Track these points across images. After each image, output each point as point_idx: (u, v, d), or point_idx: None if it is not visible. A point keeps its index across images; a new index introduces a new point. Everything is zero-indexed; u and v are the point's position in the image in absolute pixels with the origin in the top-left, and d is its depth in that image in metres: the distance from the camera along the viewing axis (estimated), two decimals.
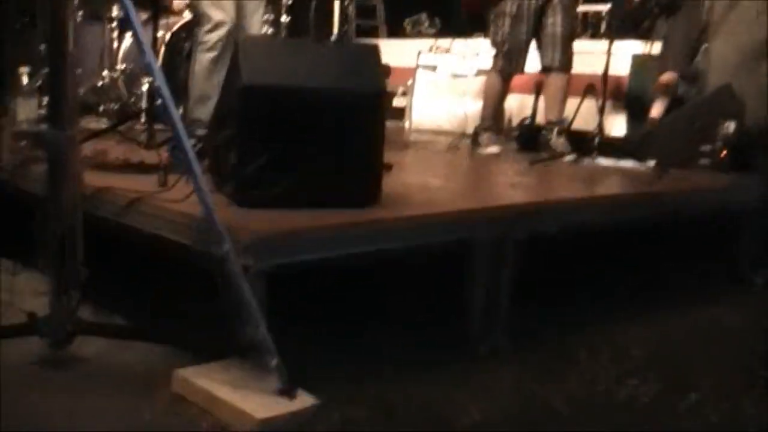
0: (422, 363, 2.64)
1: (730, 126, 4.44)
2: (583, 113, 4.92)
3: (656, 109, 5.30)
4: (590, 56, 4.97)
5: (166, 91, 2.26)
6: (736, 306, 3.53)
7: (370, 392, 2.37)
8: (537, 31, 4.78)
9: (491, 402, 2.41)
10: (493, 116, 5.09)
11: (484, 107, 5.12)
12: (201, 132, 3.65)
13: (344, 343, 2.73)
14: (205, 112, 3.93)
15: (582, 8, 6.14)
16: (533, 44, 4.84)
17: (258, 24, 4.25)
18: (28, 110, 3.45)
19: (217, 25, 4.05)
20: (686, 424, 2.37)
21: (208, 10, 4.08)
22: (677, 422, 2.38)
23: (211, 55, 4.07)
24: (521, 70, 4.85)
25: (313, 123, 2.59)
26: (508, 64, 4.83)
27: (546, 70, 4.85)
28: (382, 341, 2.77)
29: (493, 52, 4.95)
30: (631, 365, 2.76)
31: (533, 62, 4.91)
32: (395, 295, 3.13)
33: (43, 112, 3.41)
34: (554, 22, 4.73)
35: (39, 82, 3.82)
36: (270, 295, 2.27)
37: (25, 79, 3.57)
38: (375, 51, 2.78)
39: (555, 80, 4.84)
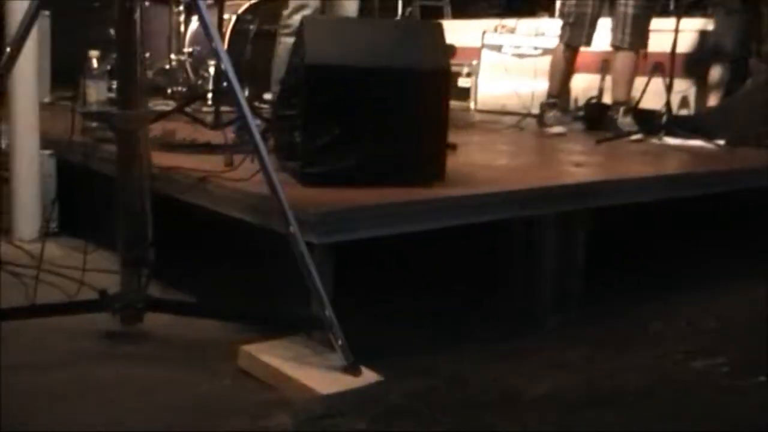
0: (489, 336, 2.66)
1: None
2: (650, 92, 4.86)
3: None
4: (658, 34, 4.89)
5: (231, 73, 2.30)
6: None
7: (438, 366, 2.39)
8: (611, 8, 4.73)
9: (560, 375, 2.42)
10: (560, 91, 5.04)
11: (551, 80, 5.07)
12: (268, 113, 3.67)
13: (409, 317, 2.75)
14: None
15: None
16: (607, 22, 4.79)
17: (354, 9, 4.20)
18: (98, 93, 3.51)
19: (299, 8, 4.05)
20: (755, 400, 2.34)
21: None
22: (746, 399, 2.35)
23: (294, 39, 4.06)
24: (587, 43, 4.79)
25: (377, 101, 2.60)
26: (574, 36, 4.77)
27: (615, 48, 4.79)
28: (447, 315, 2.79)
29: (560, 24, 4.91)
30: (701, 340, 2.74)
31: (601, 40, 4.85)
32: (456, 269, 3.14)
33: (112, 94, 3.47)
34: (626, 2, 4.66)
35: (109, 66, 3.89)
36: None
37: (95, 63, 3.63)
38: (439, 29, 2.78)
39: (622, 59, 4.77)
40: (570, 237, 2.91)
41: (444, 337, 2.65)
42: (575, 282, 2.90)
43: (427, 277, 3.12)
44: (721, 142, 4.34)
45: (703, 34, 5.49)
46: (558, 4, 5.16)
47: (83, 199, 3.30)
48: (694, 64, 5.37)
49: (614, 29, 4.74)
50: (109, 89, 3.62)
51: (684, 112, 5.40)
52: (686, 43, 5.34)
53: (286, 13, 4.08)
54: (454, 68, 5.74)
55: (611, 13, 4.76)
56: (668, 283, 3.25)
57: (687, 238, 3.70)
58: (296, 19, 4.01)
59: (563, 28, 4.86)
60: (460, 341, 2.62)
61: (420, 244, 2.75)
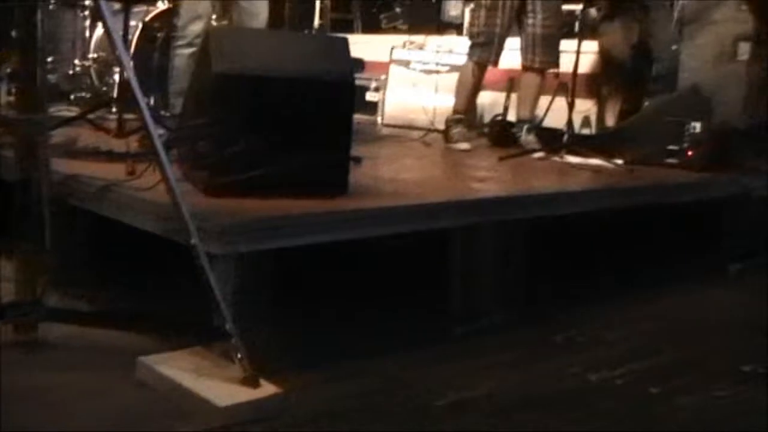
0: (404, 345, 2.69)
1: (697, 126, 4.50)
2: (554, 111, 4.97)
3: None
4: (562, 55, 5.00)
5: (134, 81, 2.28)
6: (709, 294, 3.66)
7: (369, 370, 2.45)
8: (519, 27, 4.82)
9: (495, 378, 2.49)
10: (466, 108, 5.12)
11: (457, 97, 5.13)
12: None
13: (341, 323, 2.76)
14: None
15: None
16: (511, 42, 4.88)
17: (263, 21, 4.19)
18: None
19: (194, 19, 4.02)
20: (661, 409, 2.44)
21: (185, 3, 4.05)
22: (654, 408, 2.45)
23: (189, 50, 4.02)
24: (495, 63, 4.87)
25: (283, 111, 2.61)
26: (483, 54, 4.85)
27: (524, 68, 4.88)
28: (365, 325, 2.82)
29: (468, 43, 4.99)
30: (612, 352, 2.86)
31: (506, 58, 4.94)
32: (385, 276, 3.18)
33: (12, 98, 3.40)
34: (534, 22, 4.74)
35: (8, 69, 3.81)
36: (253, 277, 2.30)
37: None
38: (344, 43, 2.80)
39: (531, 78, 4.87)
40: (477, 249, 2.97)
41: (372, 341, 2.66)
42: (484, 294, 2.97)
43: (361, 283, 3.13)
44: (620, 161, 4.46)
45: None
46: (466, 23, 5.24)
47: None
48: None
49: (524, 49, 4.82)
50: (8, 93, 3.55)
51: (585, 131, 5.53)
52: (587, 64, 5.48)
53: (180, 24, 4.05)
54: (362, 82, 5.79)
55: (520, 32, 4.84)
56: (578, 297, 3.36)
57: (592, 254, 3.81)
58: (191, 30, 4.00)
59: (472, 47, 4.92)
60: (386, 347, 2.63)
61: (349, 253, 2.76)
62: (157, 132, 2.28)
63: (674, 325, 3.28)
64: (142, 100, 2.25)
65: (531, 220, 3.22)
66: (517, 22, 4.81)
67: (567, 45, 5.18)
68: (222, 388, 2.13)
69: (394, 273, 3.15)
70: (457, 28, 6.65)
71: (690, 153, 4.53)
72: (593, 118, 5.66)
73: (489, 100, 5.96)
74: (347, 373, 2.42)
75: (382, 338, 2.71)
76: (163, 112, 4.32)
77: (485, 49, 4.83)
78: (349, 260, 2.93)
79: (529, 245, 3.21)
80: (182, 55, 4.07)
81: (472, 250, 2.97)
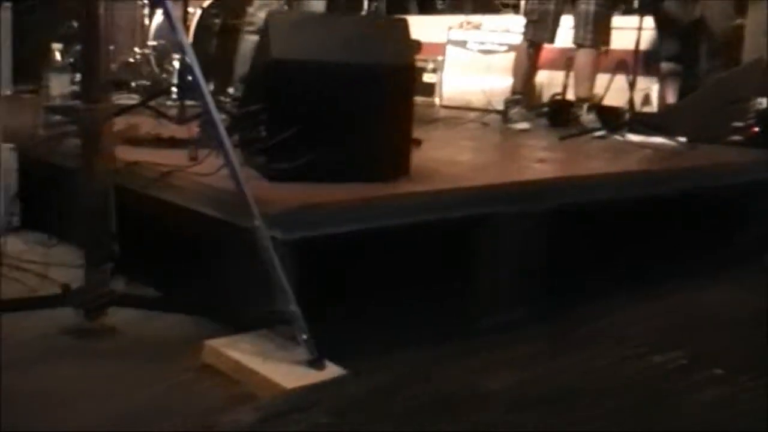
0: (450, 333, 2.66)
1: (763, 102, 4.41)
2: (614, 89, 4.91)
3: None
4: (622, 32, 4.93)
5: (196, 67, 2.29)
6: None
7: (399, 362, 2.41)
8: (573, 5, 4.77)
9: (518, 371, 2.44)
10: (524, 88, 5.08)
11: (515, 77, 5.13)
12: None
13: (373, 315, 2.75)
14: None
15: None
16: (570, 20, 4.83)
17: (321, 6, 4.19)
18: (60, 86, 3.48)
19: (265, 5, 4.03)
20: (705, 398, 2.38)
21: None
22: (684, 399, 2.39)
23: (257, 37, 4.05)
24: (551, 41, 4.84)
25: (342, 97, 2.61)
26: (537, 33, 4.82)
27: (577, 46, 4.83)
28: (408, 313, 2.80)
29: (523, 22, 4.96)
30: (650, 340, 2.76)
31: (564, 37, 4.89)
32: (419, 267, 3.15)
33: (75, 87, 3.45)
34: (588, 0, 4.70)
35: (72, 59, 3.86)
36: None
37: (57, 56, 3.60)
38: (404, 24, 2.79)
39: (584, 57, 4.82)
40: (532, 234, 2.92)
41: (405, 335, 2.64)
42: (536, 279, 2.92)
43: (391, 275, 3.12)
44: (683, 139, 4.39)
45: None
46: (522, 2, 5.21)
47: (46, 193, 3.27)
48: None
49: (576, 27, 4.78)
50: (72, 82, 3.60)
51: (647, 109, 5.45)
52: (649, 41, 5.40)
53: (251, 10, 4.07)
54: (419, 64, 5.77)
55: (573, 10, 4.80)
56: (630, 282, 3.28)
57: (650, 236, 3.74)
58: (261, 16, 4.00)
59: (527, 26, 4.90)
60: (421, 339, 2.62)
61: (381, 242, 2.75)
62: (219, 118, 2.30)
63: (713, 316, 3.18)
64: (204, 86, 2.27)
65: (580, 204, 3.16)
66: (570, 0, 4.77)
67: (625, 21, 5.11)
68: (288, 370, 2.15)
69: (428, 261, 3.13)
70: (514, 8, 6.58)
71: (755, 130, 4.45)
72: (654, 96, 5.58)
73: (547, 79, 5.90)
74: (371, 366, 2.38)
75: (416, 329, 2.69)
76: (222, 98, 4.35)
77: (540, 28, 4.80)
78: (388, 247, 2.93)
79: (572, 232, 3.17)
80: (249, 40, 4.09)
81: (521, 237, 2.92)
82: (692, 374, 2.49)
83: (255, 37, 4.05)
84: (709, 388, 2.42)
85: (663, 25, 5.34)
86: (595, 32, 4.73)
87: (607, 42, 4.79)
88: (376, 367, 2.34)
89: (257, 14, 4.04)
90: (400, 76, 2.72)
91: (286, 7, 4.02)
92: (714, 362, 2.54)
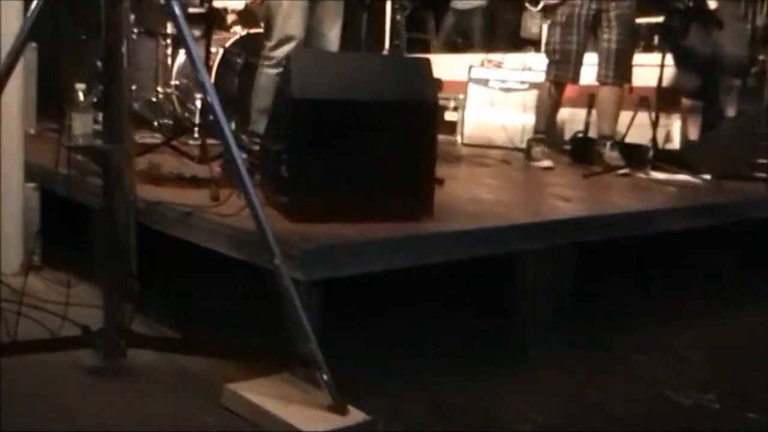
0: (476, 367, 2.66)
1: None
2: (636, 126, 4.88)
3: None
4: (643, 69, 4.91)
5: (218, 106, 2.28)
6: None
7: (424, 397, 2.39)
8: (594, 43, 4.76)
9: (545, 406, 2.42)
10: (546, 128, 5.07)
11: (538, 116, 5.11)
12: (257, 146, 3.65)
13: (399, 347, 2.74)
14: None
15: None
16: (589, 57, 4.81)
17: (336, 40, 4.19)
18: (83, 125, 3.49)
19: (285, 41, 4.03)
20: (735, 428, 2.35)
21: (279, 23, 4.05)
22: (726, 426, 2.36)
23: (277, 71, 4.04)
24: (575, 80, 4.82)
25: (365, 135, 2.60)
26: (560, 72, 4.80)
27: (600, 83, 4.81)
28: (434, 346, 2.79)
29: (546, 62, 4.95)
30: (687, 371, 2.76)
31: (587, 75, 4.87)
32: (443, 301, 3.15)
33: (98, 127, 3.45)
34: (609, 37, 4.69)
35: (95, 98, 3.87)
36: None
37: (81, 95, 3.61)
38: (427, 64, 2.77)
39: (607, 94, 4.80)
40: (557, 270, 2.91)
41: (430, 368, 2.63)
42: (562, 313, 2.90)
43: (416, 309, 3.11)
44: (707, 176, 4.35)
45: None
46: (543, 41, 5.22)
47: (68, 232, 3.27)
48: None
49: (599, 64, 4.76)
50: (95, 121, 3.60)
51: (669, 146, 5.42)
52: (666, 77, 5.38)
53: (270, 44, 4.05)
54: (441, 102, 5.76)
55: (595, 47, 4.79)
56: (653, 316, 3.26)
57: (675, 271, 3.72)
58: (280, 51, 3.99)
59: (549, 65, 4.89)
60: (448, 372, 2.60)
61: (405, 275, 2.74)
62: (240, 157, 2.28)
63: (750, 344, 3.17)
64: (226, 126, 2.25)
65: (611, 240, 3.15)
66: (593, 37, 4.76)
67: (647, 59, 5.09)
68: (311, 415, 2.11)
69: (464, 292, 3.13)
70: (535, 45, 6.58)
71: None
72: (676, 132, 5.54)
73: (569, 116, 5.89)
74: (412, 397, 2.39)
75: (450, 360, 2.70)
76: (243, 136, 4.35)
77: (562, 68, 4.79)
78: (420, 278, 2.92)
79: (609, 264, 3.16)
80: (269, 74, 4.07)
81: (552, 271, 2.91)
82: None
83: (272, 71, 4.04)
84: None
85: (682, 62, 5.31)
86: (618, 69, 4.71)
87: (629, 79, 4.76)
88: (403, 402, 2.32)
89: (277, 50, 4.03)
90: (424, 113, 2.71)
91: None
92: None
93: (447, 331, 2.94)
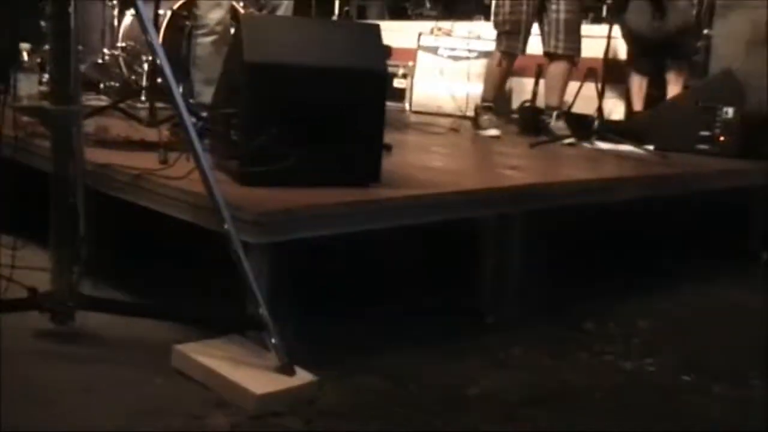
0: (429, 336, 2.71)
1: (730, 111, 4.46)
2: (582, 97, 4.93)
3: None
4: (591, 40, 4.96)
5: (167, 68, 2.28)
6: (740, 282, 3.66)
7: (377, 365, 2.42)
8: (541, 14, 4.77)
9: (499, 374, 2.48)
10: (494, 97, 5.10)
11: (485, 87, 5.13)
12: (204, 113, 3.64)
13: (351, 317, 2.77)
14: (211, 95, 3.92)
15: None
16: (537, 28, 4.84)
17: (289, 9, 4.18)
18: (29, 86, 3.45)
19: (214, 7, 4.02)
20: (695, 400, 2.42)
21: None
22: (686, 399, 2.43)
23: (211, 38, 4.04)
24: (522, 52, 4.84)
25: (315, 101, 2.60)
26: (511, 44, 4.82)
27: (548, 55, 4.84)
28: (386, 316, 2.82)
29: (495, 33, 4.96)
30: (630, 337, 2.85)
31: (535, 45, 4.91)
32: (396, 270, 3.18)
33: (43, 88, 3.42)
34: (558, 8, 4.71)
35: (39, 59, 3.83)
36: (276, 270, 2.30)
37: (25, 56, 3.57)
38: (377, 30, 2.78)
39: (556, 67, 4.83)
40: (507, 239, 2.95)
41: (383, 337, 2.67)
42: (513, 283, 2.95)
43: (368, 278, 3.14)
44: (651, 147, 4.43)
45: None
46: (492, 11, 5.23)
47: (13, 194, 3.23)
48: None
49: (547, 35, 4.78)
50: (40, 83, 3.57)
51: (615, 117, 5.49)
52: (618, 49, 5.45)
53: (200, 12, 4.05)
54: (390, 69, 5.77)
55: (542, 18, 4.80)
56: (607, 286, 3.35)
57: (624, 242, 3.80)
58: (211, 17, 3.99)
59: (499, 37, 4.90)
60: (401, 341, 2.64)
61: (361, 244, 2.76)
62: (190, 121, 2.28)
63: (702, 314, 3.27)
64: (175, 89, 2.25)
65: (560, 209, 3.20)
66: (540, 8, 4.78)
67: (594, 30, 5.14)
68: (258, 376, 2.14)
69: (419, 263, 3.17)
70: (485, 14, 6.61)
71: (722, 139, 4.50)
72: (621, 104, 5.62)
73: (517, 86, 5.93)
74: (368, 366, 2.41)
75: (406, 330, 2.74)
76: (191, 101, 4.33)
77: (512, 39, 4.80)
78: (373, 248, 2.95)
79: (557, 234, 3.21)
80: (204, 43, 4.07)
81: (501, 240, 2.96)
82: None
83: (207, 39, 4.04)
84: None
85: (629, 36, 5.38)
86: (567, 41, 4.74)
87: (578, 51, 4.80)
88: (351, 371, 2.34)
89: (208, 16, 4.02)
90: (374, 81, 2.72)
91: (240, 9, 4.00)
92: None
93: (402, 299, 2.98)
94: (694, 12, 5.37)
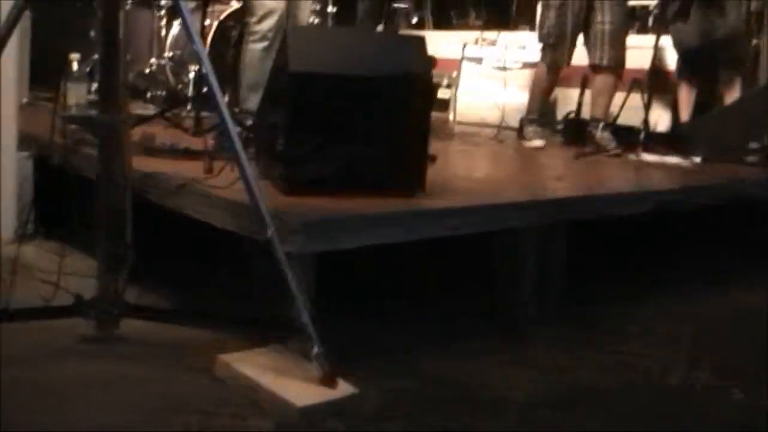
0: (466, 342, 2.71)
1: None
2: (628, 108, 4.89)
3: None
4: (637, 51, 4.92)
5: (213, 78, 2.29)
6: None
7: (417, 369, 2.43)
8: (585, 26, 4.74)
9: (537, 376, 2.48)
10: (539, 109, 5.07)
11: (531, 99, 5.10)
12: (249, 122, 3.66)
13: (393, 322, 2.77)
14: (256, 101, 3.94)
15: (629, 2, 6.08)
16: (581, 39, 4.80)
17: (306, 13, 4.23)
18: (77, 95, 3.49)
19: (267, 15, 4.05)
20: (712, 403, 2.40)
21: (258, 1, 4.08)
22: (703, 401, 2.41)
23: (262, 45, 4.07)
24: (567, 64, 4.81)
25: (359, 110, 2.61)
26: (556, 58, 4.79)
27: (593, 68, 4.80)
28: (429, 320, 2.84)
29: (539, 44, 4.93)
30: (669, 345, 2.84)
31: (581, 56, 4.87)
32: (436, 275, 3.18)
33: (92, 97, 3.46)
34: (602, 19, 4.66)
35: (88, 68, 3.87)
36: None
37: (75, 65, 3.61)
38: (421, 41, 2.78)
39: (601, 79, 4.79)
40: (549, 248, 2.94)
41: (425, 341, 2.67)
42: (554, 289, 2.95)
43: (408, 283, 3.14)
44: (698, 159, 4.37)
45: None
46: (537, 23, 5.20)
47: (61, 201, 3.28)
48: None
49: (592, 47, 4.74)
50: (89, 92, 3.61)
51: (662, 128, 5.43)
52: (664, 59, 5.39)
53: (253, 20, 4.08)
54: (434, 79, 5.76)
55: (587, 30, 4.76)
56: (646, 292, 3.31)
57: (665, 250, 3.76)
58: (264, 25, 4.03)
59: (544, 49, 4.86)
60: (442, 344, 2.64)
61: (402, 251, 2.76)
62: (234, 129, 2.29)
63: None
64: (221, 98, 2.27)
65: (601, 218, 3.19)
66: (585, 19, 4.74)
67: (640, 40, 5.09)
68: (300, 387, 2.13)
69: (452, 269, 3.15)
70: (530, 24, 6.57)
71: None
72: (668, 115, 5.56)
73: (561, 97, 5.90)
74: (396, 370, 2.42)
75: (439, 335, 2.74)
76: (235, 109, 4.36)
77: (557, 51, 4.77)
78: (408, 255, 2.95)
79: (593, 243, 3.19)
80: (254, 49, 4.10)
81: (542, 249, 2.94)
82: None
83: (258, 46, 4.07)
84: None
85: (678, 44, 5.32)
86: (612, 52, 4.69)
87: (623, 63, 4.74)
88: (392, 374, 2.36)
89: (261, 23, 4.05)
90: (418, 89, 2.72)
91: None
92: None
93: (438, 306, 2.97)
94: (744, 21, 5.30)
